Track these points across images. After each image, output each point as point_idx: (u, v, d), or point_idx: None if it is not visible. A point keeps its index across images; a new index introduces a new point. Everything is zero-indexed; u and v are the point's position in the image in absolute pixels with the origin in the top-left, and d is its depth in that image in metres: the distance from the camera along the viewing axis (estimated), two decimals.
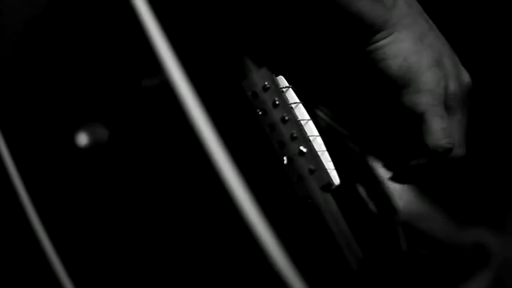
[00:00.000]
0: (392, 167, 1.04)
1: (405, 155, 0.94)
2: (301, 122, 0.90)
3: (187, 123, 0.71)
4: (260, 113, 0.89)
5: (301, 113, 0.90)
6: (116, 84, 0.74)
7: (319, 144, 0.89)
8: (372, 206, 1.06)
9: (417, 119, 0.90)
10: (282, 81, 0.92)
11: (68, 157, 0.72)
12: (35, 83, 0.76)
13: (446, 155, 0.90)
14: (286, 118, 0.88)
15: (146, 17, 0.72)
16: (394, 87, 0.90)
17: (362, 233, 0.90)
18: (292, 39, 0.98)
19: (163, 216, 0.73)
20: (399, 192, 1.44)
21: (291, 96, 0.91)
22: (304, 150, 0.86)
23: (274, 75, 0.91)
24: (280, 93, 0.90)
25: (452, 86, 0.90)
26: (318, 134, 0.89)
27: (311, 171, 0.85)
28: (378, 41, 0.89)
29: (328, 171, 0.88)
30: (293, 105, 0.90)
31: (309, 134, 0.89)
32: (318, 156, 0.88)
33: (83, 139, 0.71)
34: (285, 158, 0.86)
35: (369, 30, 0.88)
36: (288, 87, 0.91)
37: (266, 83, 0.89)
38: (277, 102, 0.89)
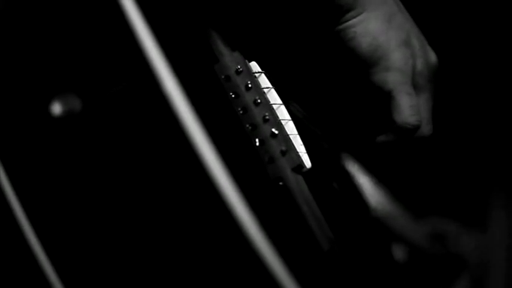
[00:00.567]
0: (360, 144, 1.05)
1: (373, 132, 0.96)
2: (274, 105, 0.90)
3: (163, 98, 0.71)
4: (233, 96, 0.89)
5: (274, 97, 0.91)
6: (92, 56, 0.75)
7: (291, 128, 0.90)
8: (343, 196, 1.07)
9: (386, 97, 0.92)
10: (255, 66, 0.93)
11: (41, 126, 0.73)
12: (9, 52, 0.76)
13: (414, 132, 0.92)
14: (259, 101, 0.89)
15: None
16: (364, 66, 0.92)
17: (333, 217, 0.90)
18: (263, 22, 1.00)
19: (133, 182, 0.73)
20: (370, 191, 1.46)
21: (264, 81, 0.92)
22: (276, 132, 0.87)
23: (246, 60, 0.92)
24: (253, 77, 0.91)
25: (420, 65, 0.92)
26: (290, 118, 0.90)
27: (283, 153, 0.86)
28: (348, 20, 0.91)
29: (300, 154, 0.88)
30: (265, 90, 0.91)
31: (280, 118, 0.90)
32: (289, 139, 0.89)
33: (56, 108, 0.71)
34: (257, 140, 0.87)
35: (339, 10, 0.90)
36: (261, 72, 0.92)
37: (239, 67, 0.90)
38: (249, 86, 0.90)
